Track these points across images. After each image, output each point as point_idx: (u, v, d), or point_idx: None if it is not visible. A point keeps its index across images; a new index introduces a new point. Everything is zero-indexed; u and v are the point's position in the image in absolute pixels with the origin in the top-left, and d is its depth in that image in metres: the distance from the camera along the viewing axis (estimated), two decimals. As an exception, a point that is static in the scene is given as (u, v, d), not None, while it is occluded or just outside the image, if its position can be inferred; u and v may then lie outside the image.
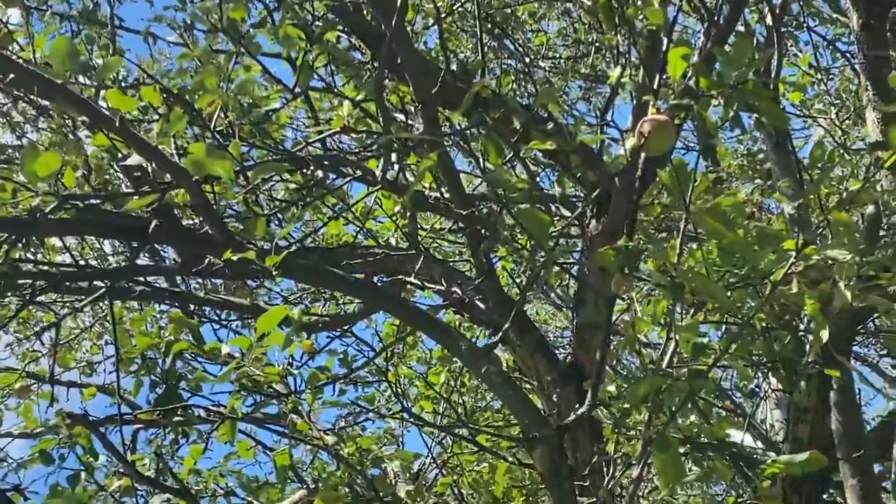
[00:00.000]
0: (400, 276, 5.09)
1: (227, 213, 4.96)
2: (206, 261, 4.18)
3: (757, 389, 9.06)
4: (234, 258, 3.64)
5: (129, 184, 4.33)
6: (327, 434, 4.44)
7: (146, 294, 5.61)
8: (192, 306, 6.06)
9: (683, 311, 5.55)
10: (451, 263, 6.36)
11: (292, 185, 5.45)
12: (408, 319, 4.14)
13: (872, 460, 6.69)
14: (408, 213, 5.47)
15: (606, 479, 4.66)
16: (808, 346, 4.85)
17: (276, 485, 6.90)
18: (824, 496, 7.59)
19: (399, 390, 6.08)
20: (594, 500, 4.66)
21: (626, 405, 4.22)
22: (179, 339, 4.64)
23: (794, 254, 3.84)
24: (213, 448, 8.40)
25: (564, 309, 8.94)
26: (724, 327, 4.55)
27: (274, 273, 3.64)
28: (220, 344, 4.47)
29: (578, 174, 4.99)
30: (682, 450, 4.24)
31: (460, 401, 6.92)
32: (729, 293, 4.44)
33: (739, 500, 4.26)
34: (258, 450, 6.50)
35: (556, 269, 8.26)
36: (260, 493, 6.97)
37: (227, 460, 6.83)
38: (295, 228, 6.06)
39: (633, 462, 4.18)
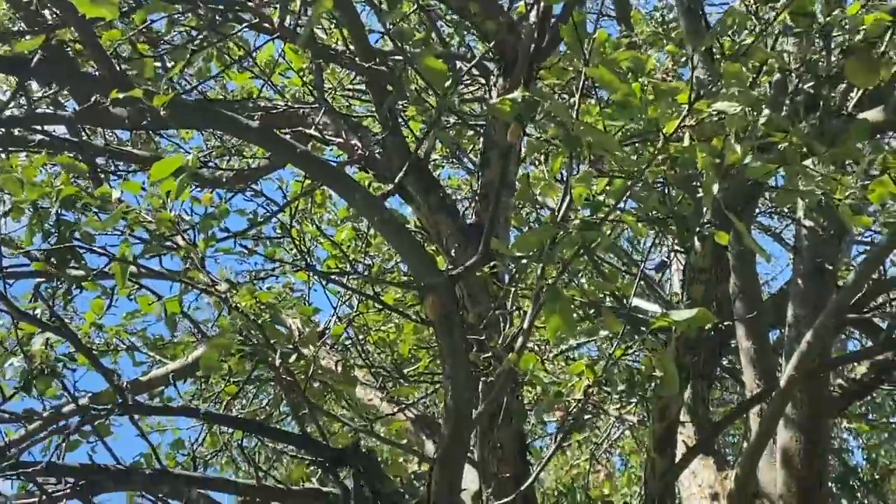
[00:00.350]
0: (300, 128, 5.03)
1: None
2: (94, 99, 4.09)
3: (666, 260, 9.19)
4: (121, 96, 3.56)
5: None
6: (220, 283, 4.40)
7: (44, 143, 5.51)
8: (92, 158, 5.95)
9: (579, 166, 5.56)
10: (363, 124, 6.30)
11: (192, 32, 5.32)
12: (302, 166, 4.09)
13: (768, 326, 6.86)
14: (313, 66, 5.39)
15: (501, 333, 4.72)
16: (704, 209, 4.89)
17: (180, 343, 6.91)
18: (723, 361, 7.79)
19: (304, 248, 6.05)
20: (489, 354, 4.72)
21: (523, 259, 4.23)
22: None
23: (686, 107, 3.86)
24: (117, 305, 8.35)
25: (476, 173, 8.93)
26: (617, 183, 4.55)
27: (163, 113, 3.56)
28: (112, 189, 4.39)
29: (478, 22, 4.94)
30: (574, 305, 4.27)
31: (367, 261, 6.92)
32: (625, 149, 4.45)
33: (628, 352, 4.32)
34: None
35: (471, 133, 8.25)
36: (165, 351, 6.98)
37: (130, 318, 6.80)
38: (199, 81, 5.93)
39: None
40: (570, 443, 9.37)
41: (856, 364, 6.57)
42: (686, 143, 4.01)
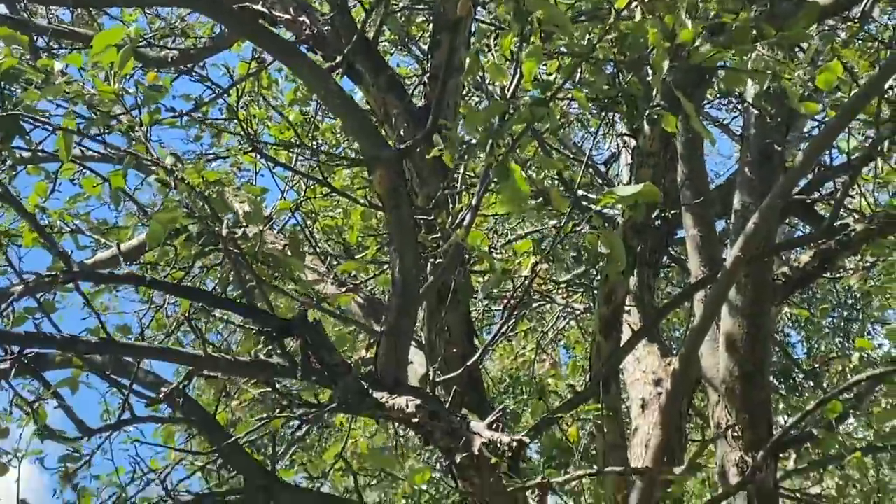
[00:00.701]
0: (247, 3, 4.94)
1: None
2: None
3: (616, 151, 9.21)
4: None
5: None
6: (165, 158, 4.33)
7: (-17, 21, 5.38)
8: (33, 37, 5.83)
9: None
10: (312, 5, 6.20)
11: None
12: (249, 36, 4.03)
13: (714, 214, 6.92)
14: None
15: (450, 213, 4.72)
16: (654, 91, 4.88)
17: (125, 227, 6.85)
18: (669, 250, 7.86)
19: (251, 131, 5.98)
20: (437, 235, 4.72)
21: (472, 140, 4.21)
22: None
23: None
24: (60, 189, 8.23)
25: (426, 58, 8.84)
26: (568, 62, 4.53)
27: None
28: (53, 61, 4.29)
29: None
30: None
31: (314, 145, 6.84)
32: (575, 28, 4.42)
33: (576, 228, 4.32)
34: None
35: (421, 20, 8.17)
36: (109, 235, 6.90)
37: (73, 202, 6.71)
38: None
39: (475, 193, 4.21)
40: (516, 333, 9.46)
41: (799, 251, 6.65)
42: (637, 17, 3.99)
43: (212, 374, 4.12)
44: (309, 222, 6.77)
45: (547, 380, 8.98)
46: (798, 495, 6.85)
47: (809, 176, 6.91)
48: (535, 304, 8.51)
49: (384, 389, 3.88)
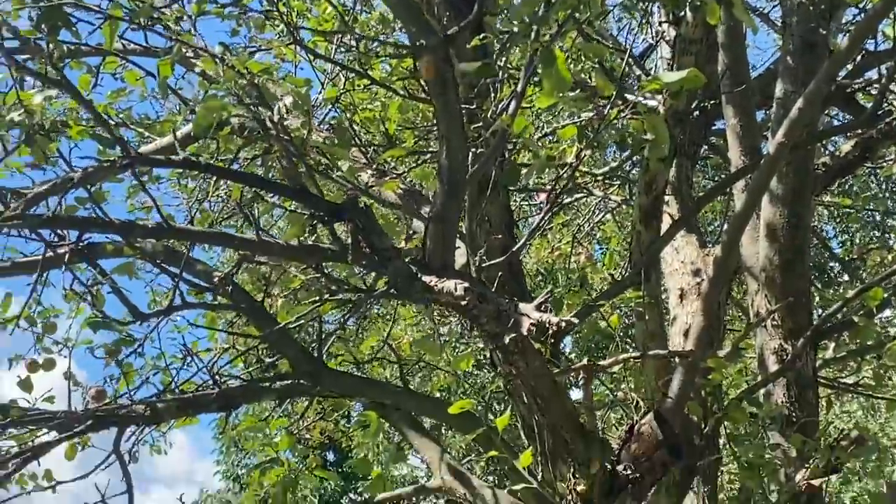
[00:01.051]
0: None
1: None
2: None
3: (652, 42, 9.13)
4: None
5: None
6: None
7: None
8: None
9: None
10: None
11: None
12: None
13: (755, 104, 6.88)
14: None
15: (493, 100, 4.74)
16: (697, -21, 4.83)
17: (167, 120, 6.89)
18: (708, 139, 7.85)
19: (291, 21, 5.96)
20: (480, 125, 4.74)
21: (514, 29, 4.20)
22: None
23: None
24: (102, 84, 8.27)
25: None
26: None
27: None
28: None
29: None
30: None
31: (353, 40, 6.83)
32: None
33: (620, 115, 4.33)
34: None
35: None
36: (152, 129, 6.95)
37: (115, 96, 6.76)
38: None
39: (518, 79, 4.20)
40: (552, 226, 9.50)
41: (840, 140, 6.63)
42: None
43: (262, 259, 4.19)
44: (348, 114, 6.78)
45: (584, 271, 9.05)
46: (836, 384, 6.92)
47: (850, 66, 6.85)
48: (573, 197, 8.53)
49: (432, 273, 3.93)
